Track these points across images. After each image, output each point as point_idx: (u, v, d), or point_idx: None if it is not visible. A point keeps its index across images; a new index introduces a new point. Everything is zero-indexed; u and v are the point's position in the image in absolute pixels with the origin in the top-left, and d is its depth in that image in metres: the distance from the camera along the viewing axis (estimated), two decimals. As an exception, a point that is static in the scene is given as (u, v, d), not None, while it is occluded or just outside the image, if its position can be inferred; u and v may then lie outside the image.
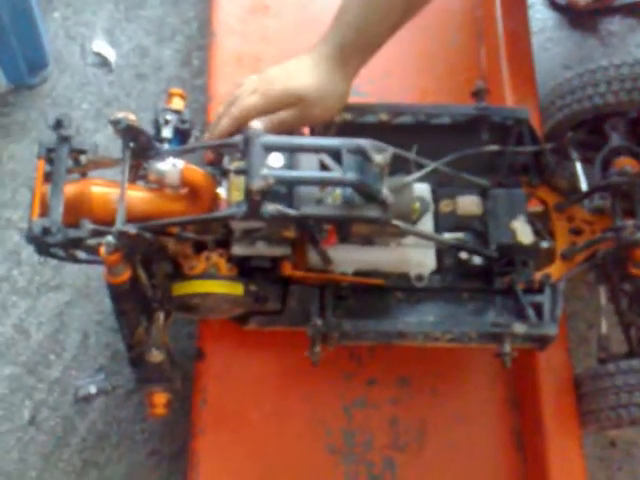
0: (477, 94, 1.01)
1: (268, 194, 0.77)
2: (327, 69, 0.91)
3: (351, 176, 0.77)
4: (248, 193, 0.76)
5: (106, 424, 1.12)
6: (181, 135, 0.96)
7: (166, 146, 0.92)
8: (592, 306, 1.02)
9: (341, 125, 0.98)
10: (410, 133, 1.00)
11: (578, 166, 1.00)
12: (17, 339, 1.14)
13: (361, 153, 0.79)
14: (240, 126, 0.87)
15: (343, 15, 0.93)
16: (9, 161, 1.25)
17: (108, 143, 1.28)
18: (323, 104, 0.91)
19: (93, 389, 1.12)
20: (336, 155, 0.80)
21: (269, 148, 0.78)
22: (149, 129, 0.90)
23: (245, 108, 0.89)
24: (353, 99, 1.19)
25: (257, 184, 0.75)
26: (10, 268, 1.18)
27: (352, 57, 0.92)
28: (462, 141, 0.99)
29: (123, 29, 1.41)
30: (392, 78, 1.23)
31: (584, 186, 0.98)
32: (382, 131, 0.98)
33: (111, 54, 1.37)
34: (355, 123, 0.99)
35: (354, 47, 0.92)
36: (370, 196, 0.80)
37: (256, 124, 0.81)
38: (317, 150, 0.79)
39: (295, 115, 0.89)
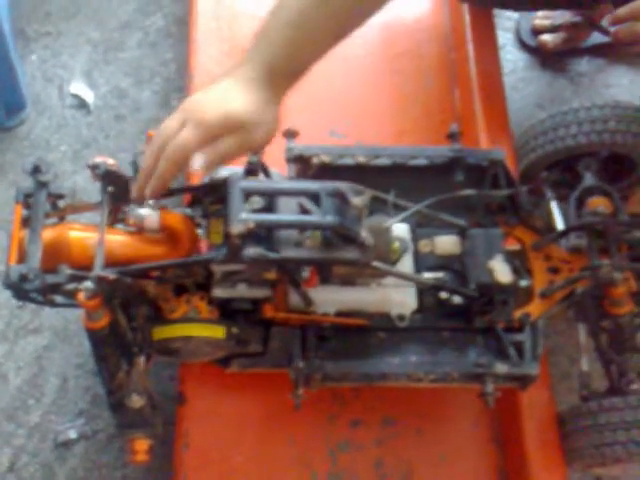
0: (452, 136, 1.01)
1: (248, 237, 0.76)
2: (259, 91, 0.84)
3: (330, 219, 0.77)
4: (228, 237, 0.75)
5: (86, 470, 1.09)
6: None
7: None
8: (573, 341, 1.02)
9: (319, 167, 0.98)
10: (387, 174, 1.00)
11: (553, 206, 1.00)
12: (-6, 385, 1.12)
13: (339, 196, 0.79)
14: (180, 167, 0.81)
15: (269, 34, 0.86)
16: (-13, 203, 1.24)
17: (86, 185, 1.27)
18: (264, 127, 0.85)
19: (73, 434, 1.10)
20: (315, 197, 0.79)
21: (248, 192, 0.78)
22: (128, 170, 0.88)
23: (181, 145, 0.81)
24: (331, 140, 1.21)
25: (237, 228, 0.74)
26: (-14, 315, 1.16)
27: (282, 80, 0.87)
28: (439, 182, 0.99)
29: (101, 71, 1.40)
30: (369, 120, 1.24)
31: (560, 225, 0.98)
32: (360, 173, 0.99)
33: (89, 96, 1.36)
34: (333, 165, 0.99)
35: (283, 70, 0.86)
36: (349, 238, 0.79)
37: (199, 162, 0.77)
38: (296, 194, 0.79)
39: (237, 142, 0.83)
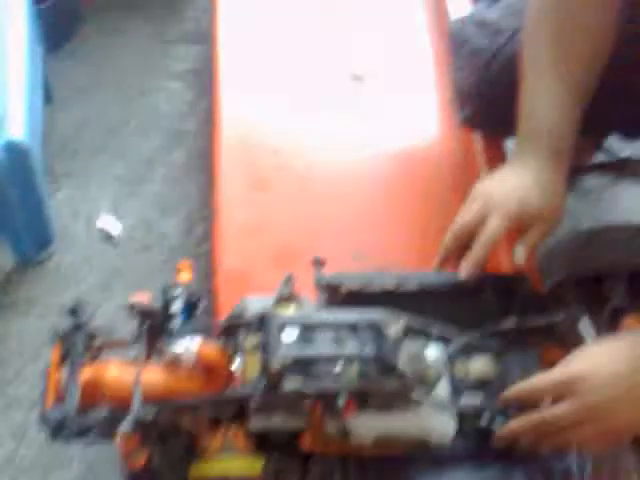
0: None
1: (286, 372, 0.74)
2: (546, 176, 0.94)
3: (368, 351, 0.76)
4: (267, 374, 0.74)
5: None
6: (189, 307, 0.94)
7: (177, 322, 0.90)
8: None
9: (347, 294, 0.97)
10: (414, 299, 0.99)
11: (586, 326, 0.99)
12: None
13: (376, 326, 0.78)
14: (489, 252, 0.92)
15: (539, 122, 0.96)
16: (15, 337, 1.23)
17: (114, 314, 1.27)
18: (558, 212, 0.95)
19: None
20: (352, 328, 0.78)
21: (284, 326, 0.77)
22: (156, 298, 0.88)
23: (492, 235, 0.91)
24: (354, 264, 1.21)
25: (276, 365, 0.73)
26: (16, 448, 1.13)
27: (562, 164, 0.96)
28: (466, 303, 0.98)
29: (127, 205, 1.43)
30: (390, 243, 1.24)
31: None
32: (388, 298, 0.98)
33: (117, 228, 1.38)
34: (361, 293, 0.98)
35: (562, 153, 0.96)
36: (387, 369, 0.78)
37: (520, 256, 0.90)
38: (334, 326, 0.78)
39: (542, 231, 0.93)
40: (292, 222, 1.22)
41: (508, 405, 0.85)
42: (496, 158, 1.32)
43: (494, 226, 0.91)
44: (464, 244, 0.98)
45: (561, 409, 0.80)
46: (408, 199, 1.31)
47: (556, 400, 0.81)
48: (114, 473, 1.10)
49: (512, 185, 0.94)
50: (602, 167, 1.51)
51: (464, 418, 0.91)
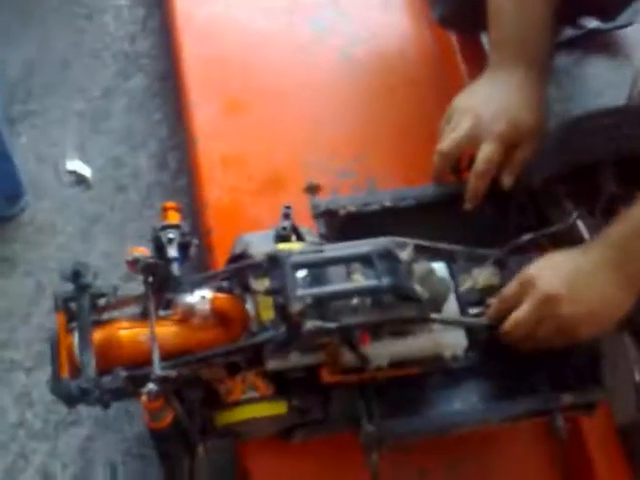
0: (470, 165, 1.00)
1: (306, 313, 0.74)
2: (530, 88, 0.94)
3: (387, 282, 0.75)
4: (287, 316, 0.73)
5: None
6: (182, 249, 0.92)
7: (175, 267, 0.88)
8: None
9: (346, 217, 0.96)
10: (414, 214, 0.99)
11: (579, 221, 0.99)
12: (44, 486, 1.08)
13: (389, 255, 0.77)
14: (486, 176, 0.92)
15: (510, 30, 0.96)
16: (1, 299, 1.20)
17: (100, 262, 1.24)
18: (544, 128, 0.95)
19: (130, 525, 1.07)
20: (366, 260, 0.77)
21: (299, 267, 0.76)
22: (140, 239, 0.86)
23: (489, 162, 0.91)
24: (343, 182, 1.19)
25: (296, 307, 0.72)
26: (22, 412, 1.12)
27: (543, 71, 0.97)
28: (465, 215, 0.97)
29: (93, 142, 1.37)
30: (376, 154, 1.22)
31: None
32: (385, 216, 0.97)
33: (86, 170, 1.33)
34: (359, 213, 0.97)
35: (540, 61, 0.96)
36: (404, 296, 0.78)
37: (509, 182, 0.92)
38: (349, 261, 0.77)
39: (528, 152, 0.93)
40: (274, 145, 1.19)
41: (495, 321, 0.87)
42: (474, 56, 1.30)
43: (489, 152, 0.91)
44: (456, 161, 0.98)
45: (521, 311, 0.83)
46: (388, 107, 1.28)
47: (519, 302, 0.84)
48: (125, 426, 1.11)
49: (499, 103, 0.93)
50: (570, 44, 1.49)
51: (474, 330, 0.93)
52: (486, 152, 0.92)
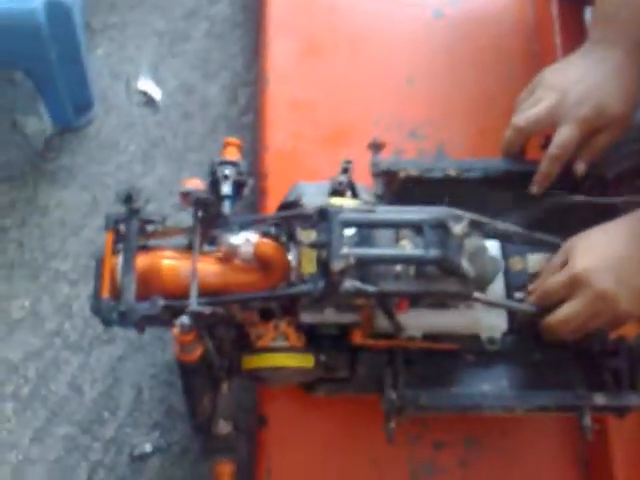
0: (545, 145, 0.99)
1: (347, 272, 0.76)
2: (627, 74, 0.91)
3: (434, 253, 0.76)
4: (328, 273, 0.75)
5: (162, 483, 1.12)
6: (237, 187, 0.95)
7: (227, 205, 0.91)
8: None
9: (405, 180, 0.97)
10: (477, 186, 0.99)
11: None
12: (71, 397, 1.14)
13: (441, 226, 0.78)
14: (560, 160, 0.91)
15: (621, 6, 0.92)
16: (57, 208, 1.25)
17: (155, 187, 1.28)
18: (632, 117, 0.92)
19: (149, 447, 1.13)
20: (417, 228, 0.79)
21: (347, 224, 0.77)
22: (199, 170, 0.88)
23: (564, 147, 0.90)
24: (410, 143, 1.19)
25: (338, 265, 0.74)
26: (61, 322, 1.18)
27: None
28: (529, 196, 0.97)
29: (168, 65, 1.40)
30: (450, 120, 1.22)
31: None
32: (447, 185, 0.98)
33: (157, 93, 1.36)
34: (420, 178, 0.98)
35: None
36: (450, 270, 0.79)
37: (582, 169, 0.91)
38: (398, 226, 0.78)
39: (611, 139, 0.91)
40: (346, 95, 1.20)
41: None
42: (573, 29, 1.27)
43: (567, 136, 0.89)
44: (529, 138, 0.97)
45: (573, 307, 0.84)
46: (472, 71, 1.27)
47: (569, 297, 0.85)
48: (156, 351, 1.16)
49: (588, 84, 0.90)
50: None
51: (516, 314, 0.93)
52: (564, 136, 0.90)
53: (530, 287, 0.91)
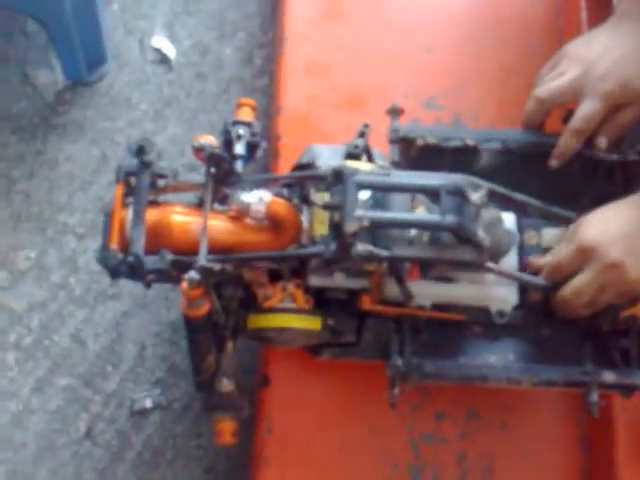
0: (567, 119, 0.97)
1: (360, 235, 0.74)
2: None
3: (450, 220, 0.74)
4: (340, 235, 0.73)
5: (162, 439, 1.11)
6: (250, 148, 0.93)
7: (239, 164, 0.89)
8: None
9: (422, 147, 0.95)
10: (495, 158, 0.97)
11: None
12: (74, 350, 1.13)
13: (459, 193, 0.76)
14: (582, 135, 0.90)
15: None
16: (66, 162, 1.23)
17: (167, 146, 1.26)
18: None
19: (149, 403, 1.12)
20: (434, 194, 0.77)
21: (362, 186, 0.75)
22: (210, 131, 0.87)
23: (586, 121, 0.88)
24: (426, 113, 1.17)
25: (351, 227, 0.72)
26: (67, 275, 1.17)
27: None
28: (549, 169, 0.95)
29: (183, 23, 1.37)
30: (468, 91, 1.19)
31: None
32: (464, 154, 0.96)
33: (171, 51, 1.34)
34: (437, 147, 0.96)
35: None
36: (465, 238, 0.77)
37: (603, 145, 0.88)
38: (415, 191, 0.76)
39: (635, 116, 0.89)
40: (364, 60, 1.17)
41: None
42: (599, 3, 1.23)
43: (589, 111, 0.88)
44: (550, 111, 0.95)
45: (583, 279, 0.83)
46: (493, 42, 1.24)
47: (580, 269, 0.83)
48: (161, 310, 1.15)
49: (614, 58, 0.88)
50: None
51: (527, 289, 0.92)
52: (587, 110, 0.89)
53: (538, 260, 0.89)
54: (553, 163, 0.92)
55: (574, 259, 0.84)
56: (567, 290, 0.85)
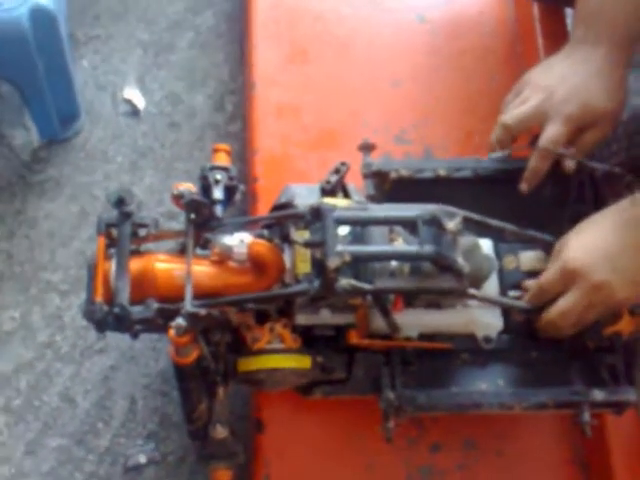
0: (533, 143, 0.99)
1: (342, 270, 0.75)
2: (612, 73, 0.92)
3: (429, 249, 0.76)
4: (323, 271, 0.74)
5: (157, 494, 1.10)
6: (228, 192, 0.94)
7: (219, 209, 0.90)
8: None
9: (396, 181, 0.97)
10: (468, 186, 0.99)
11: None
12: (64, 409, 1.12)
13: (435, 222, 0.78)
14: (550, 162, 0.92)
15: (602, 6, 0.93)
16: (45, 220, 1.24)
17: (144, 196, 1.27)
18: (619, 115, 0.93)
19: (143, 459, 1.11)
20: (410, 225, 0.78)
21: (341, 222, 0.77)
22: (187, 179, 0.88)
23: (552, 144, 0.90)
24: (397, 147, 1.19)
25: (334, 262, 0.73)
26: (52, 333, 1.16)
27: (627, 56, 0.93)
28: (520, 193, 0.97)
29: (154, 76, 1.40)
30: (435, 122, 1.22)
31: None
32: (437, 185, 0.98)
33: (141, 101, 1.35)
34: (410, 179, 0.97)
35: (626, 44, 0.93)
36: (445, 266, 0.78)
37: (572, 166, 0.91)
38: (392, 223, 0.78)
39: (598, 136, 0.92)
40: (333, 98, 1.20)
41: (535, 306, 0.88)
42: (555, 30, 1.28)
43: (554, 133, 0.90)
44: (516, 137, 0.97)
45: (569, 300, 0.84)
46: (455, 73, 1.27)
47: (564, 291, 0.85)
48: (149, 361, 1.15)
49: (574, 83, 0.92)
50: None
51: (511, 313, 0.93)
52: (551, 133, 0.91)
53: (526, 283, 0.90)
54: (524, 187, 0.94)
55: (559, 281, 0.85)
56: (553, 312, 0.86)
